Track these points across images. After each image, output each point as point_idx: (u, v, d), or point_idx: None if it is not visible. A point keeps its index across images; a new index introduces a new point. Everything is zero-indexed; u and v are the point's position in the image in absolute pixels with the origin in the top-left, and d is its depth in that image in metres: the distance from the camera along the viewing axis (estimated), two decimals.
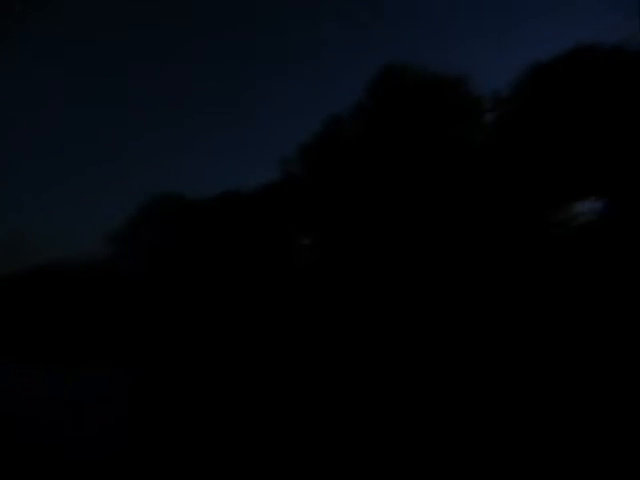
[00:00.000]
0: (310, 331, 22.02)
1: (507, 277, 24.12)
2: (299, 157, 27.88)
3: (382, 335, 20.17)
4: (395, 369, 15.28)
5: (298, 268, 29.38)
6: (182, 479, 7.28)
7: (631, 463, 7.03)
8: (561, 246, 25.60)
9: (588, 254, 24.19)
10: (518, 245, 24.98)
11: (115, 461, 7.85)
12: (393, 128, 26.21)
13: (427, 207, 24.80)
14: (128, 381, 14.41)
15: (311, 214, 28.09)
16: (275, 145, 50.14)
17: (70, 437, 9.08)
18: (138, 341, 20.80)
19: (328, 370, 14.98)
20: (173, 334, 21.51)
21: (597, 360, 14.01)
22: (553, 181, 25.35)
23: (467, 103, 26.25)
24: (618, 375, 12.08)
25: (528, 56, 26.31)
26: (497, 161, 26.33)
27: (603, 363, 13.51)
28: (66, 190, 60.94)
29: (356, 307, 23.98)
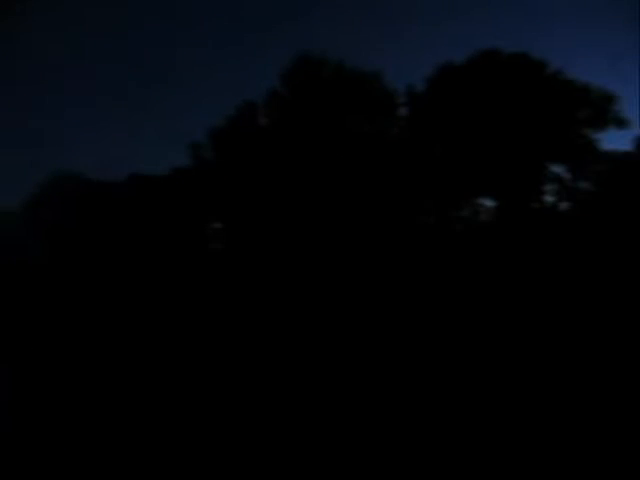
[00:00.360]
0: (221, 316, 21.75)
1: (406, 267, 24.65)
2: (210, 142, 27.48)
3: (293, 319, 20.21)
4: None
5: (208, 253, 29.02)
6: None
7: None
8: (463, 241, 26.65)
9: (487, 249, 25.31)
10: (418, 236, 25.61)
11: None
12: (306, 117, 26.29)
13: (337, 197, 25.06)
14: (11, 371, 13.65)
15: (222, 199, 27.79)
16: (186, 129, 49.00)
17: None
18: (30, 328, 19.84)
19: (238, 357, 14.82)
20: (71, 318, 20.68)
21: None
22: (458, 177, 26.31)
23: (381, 97, 26.71)
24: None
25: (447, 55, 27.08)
26: (410, 155, 27.03)
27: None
28: None
29: (265, 292, 23.92)
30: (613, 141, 34.23)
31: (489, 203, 26.30)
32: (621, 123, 24.47)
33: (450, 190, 26.06)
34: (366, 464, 7.35)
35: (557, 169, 25.36)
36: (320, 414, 9.51)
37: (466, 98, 25.73)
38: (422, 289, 23.53)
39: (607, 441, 7.77)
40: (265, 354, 14.95)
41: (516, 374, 12.14)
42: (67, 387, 11.55)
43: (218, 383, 11.90)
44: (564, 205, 25.16)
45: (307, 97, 26.10)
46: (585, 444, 7.74)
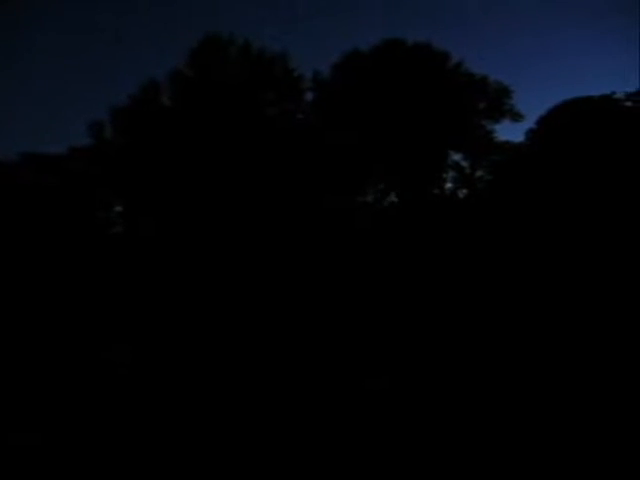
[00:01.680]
0: (124, 302, 20.98)
1: (311, 250, 24.80)
2: (112, 121, 26.39)
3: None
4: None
5: (109, 236, 27.95)
6: None
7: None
8: (368, 225, 27.18)
9: (390, 233, 25.93)
10: (324, 221, 25.81)
11: None
12: (212, 98, 25.78)
13: (243, 180, 24.79)
14: None
15: (124, 181, 26.80)
16: (86, 108, 46.44)
17: None
18: None
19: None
20: None
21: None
22: (363, 163, 26.77)
23: (287, 80, 26.63)
24: None
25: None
26: (315, 140, 27.16)
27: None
28: None
29: (166, 276, 23.35)
30: (508, 133, 35.96)
31: (393, 189, 26.88)
32: (516, 116, 25.74)
33: (355, 175, 26.46)
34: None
35: (457, 157, 26.34)
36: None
37: (371, 86, 26.16)
38: (327, 273, 23.77)
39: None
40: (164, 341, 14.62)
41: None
42: None
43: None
44: (463, 192, 26.17)
45: (213, 77, 25.61)
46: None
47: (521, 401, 9.40)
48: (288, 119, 26.76)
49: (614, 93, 23.68)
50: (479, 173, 25.82)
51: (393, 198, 26.97)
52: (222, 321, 17.31)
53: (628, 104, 23.51)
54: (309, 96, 27.64)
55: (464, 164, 26.09)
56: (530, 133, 25.10)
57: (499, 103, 25.70)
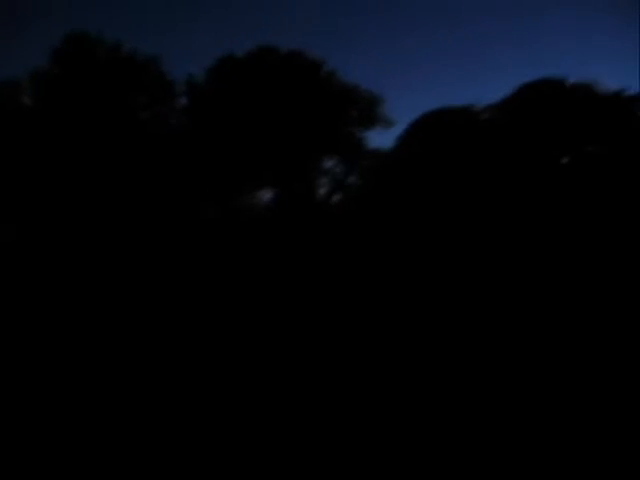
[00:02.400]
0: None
1: (187, 258, 24.35)
2: None
3: None
4: None
5: None
6: None
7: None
8: (244, 231, 27.02)
9: (266, 239, 25.90)
10: (200, 227, 25.42)
11: None
12: (78, 99, 24.79)
13: (107, 187, 23.92)
14: None
15: None
16: None
17: None
18: None
19: None
20: None
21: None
22: (239, 169, 26.65)
23: (159, 83, 26.10)
24: None
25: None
26: (189, 145, 26.74)
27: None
28: None
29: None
30: (381, 139, 36.91)
31: (268, 194, 26.94)
32: (387, 123, 26.60)
33: (231, 181, 26.29)
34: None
35: (331, 163, 26.80)
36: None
37: (245, 91, 26.16)
38: (205, 280, 23.36)
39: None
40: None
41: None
42: None
43: None
44: (336, 197, 26.63)
45: (79, 77, 24.63)
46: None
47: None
48: (160, 123, 26.19)
49: (474, 104, 25.00)
50: (352, 179, 26.39)
51: (269, 204, 26.97)
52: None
53: (486, 115, 24.88)
54: (184, 100, 27.22)
55: (338, 170, 26.57)
56: (399, 139, 26.01)
57: (370, 111, 26.44)
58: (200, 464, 7.37)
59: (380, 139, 33.43)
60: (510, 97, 23.67)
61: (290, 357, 14.58)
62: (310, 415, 8.99)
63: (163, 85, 26.07)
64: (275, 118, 25.39)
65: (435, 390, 9.86)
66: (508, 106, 23.42)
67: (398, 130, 26.41)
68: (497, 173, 22.31)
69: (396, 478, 6.88)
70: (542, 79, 23.35)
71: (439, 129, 24.32)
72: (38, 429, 8.96)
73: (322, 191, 26.66)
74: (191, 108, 26.68)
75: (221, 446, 7.87)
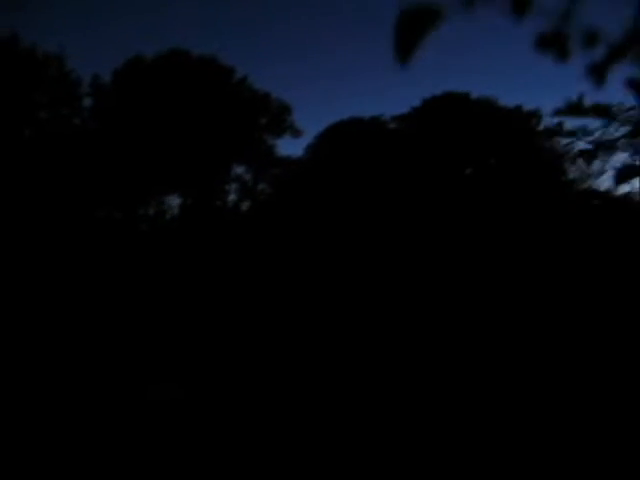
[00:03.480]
0: None
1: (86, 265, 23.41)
2: None
3: None
4: None
5: None
6: None
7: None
8: (149, 239, 26.26)
9: (172, 247, 25.26)
10: (101, 233, 24.50)
11: None
12: None
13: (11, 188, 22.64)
14: None
15: None
16: None
17: None
18: None
19: None
20: None
21: None
22: (145, 174, 25.92)
23: (62, 83, 25.10)
24: None
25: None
26: (94, 147, 25.79)
27: None
28: None
29: None
30: (290, 148, 37.11)
31: (176, 201, 26.35)
32: (295, 132, 26.76)
33: (136, 186, 25.52)
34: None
35: (240, 170, 26.61)
36: None
37: (153, 95, 25.59)
38: (105, 288, 22.48)
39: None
40: None
41: None
42: None
43: None
44: (245, 204, 26.42)
45: None
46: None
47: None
48: (62, 124, 25.12)
49: (382, 115, 25.65)
50: (261, 186, 26.28)
51: (176, 210, 26.38)
52: None
53: (393, 126, 25.54)
54: (89, 101, 26.30)
55: (247, 177, 26.41)
56: (308, 148, 26.22)
57: (280, 119, 26.53)
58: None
59: (288, 148, 33.61)
60: (416, 109, 24.44)
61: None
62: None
63: (66, 84, 25.06)
64: (184, 123, 24.96)
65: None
66: (414, 118, 24.16)
67: (306, 140, 26.65)
68: (403, 180, 22.87)
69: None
70: (447, 93, 24.30)
71: (348, 138, 24.72)
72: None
73: (231, 197, 26.38)
74: (96, 109, 25.78)
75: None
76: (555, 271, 18.55)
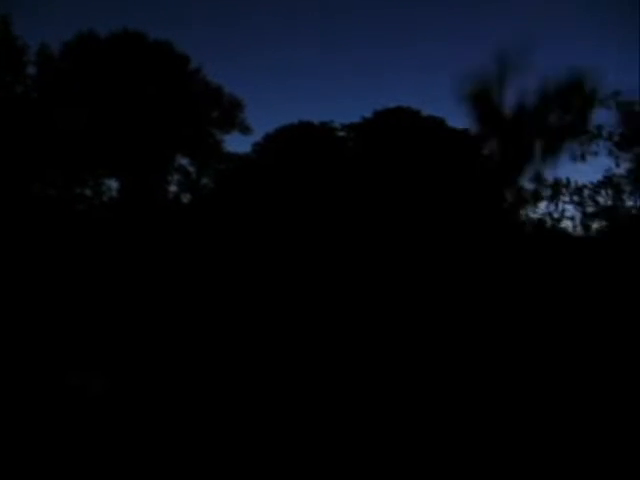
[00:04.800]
0: None
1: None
2: None
3: None
4: None
5: None
6: None
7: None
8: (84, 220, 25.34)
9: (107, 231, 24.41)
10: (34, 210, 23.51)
11: None
12: None
13: None
14: None
15: None
16: None
17: None
18: None
19: None
20: None
21: None
22: (85, 153, 25.08)
23: (6, 48, 24.06)
24: None
25: None
26: (33, 118, 24.80)
27: None
28: None
29: None
30: (239, 145, 36.53)
31: (115, 185, 25.57)
32: (245, 129, 26.53)
33: (75, 164, 24.62)
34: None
35: (184, 162, 26.08)
36: None
37: (103, 74, 24.88)
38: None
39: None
40: None
41: None
42: None
43: None
44: (187, 197, 25.88)
45: None
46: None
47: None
48: (3, 89, 24.02)
49: (332, 122, 25.77)
50: (205, 180, 25.84)
51: (114, 194, 25.56)
52: None
53: (341, 134, 25.70)
54: (34, 70, 25.27)
55: (191, 169, 25.91)
56: (257, 146, 26.00)
57: (231, 115, 26.25)
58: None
59: (236, 145, 33.20)
60: (367, 120, 24.71)
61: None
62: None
63: (11, 50, 24.02)
64: (130, 106, 24.33)
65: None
66: (364, 127, 24.39)
67: (254, 138, 26.45)
68: (346, 186, 22.98)
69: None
70: (399, 107, 24.68)
71: (296, 141, 24.70)
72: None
73: (172, 188, 25.81)
74: (40, 79, 24.80)
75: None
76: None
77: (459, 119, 27.38)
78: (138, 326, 17.04)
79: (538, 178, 10.97)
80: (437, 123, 24.29)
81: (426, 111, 24.50)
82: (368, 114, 24.78)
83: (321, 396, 9.37)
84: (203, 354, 14.02)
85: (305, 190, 23.11)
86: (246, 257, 22.41)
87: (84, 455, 7.40)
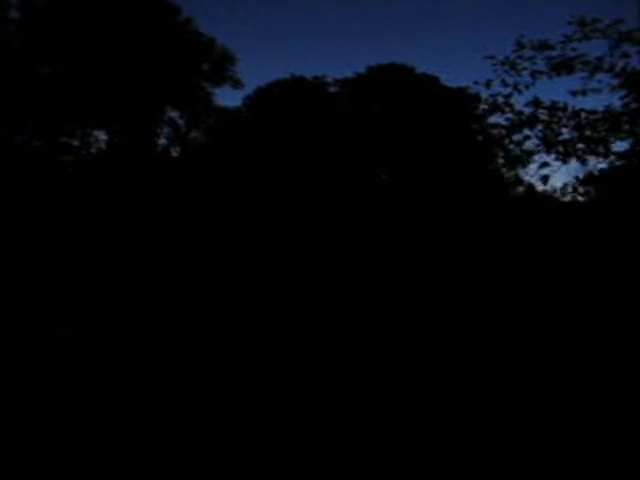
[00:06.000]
0: None
1: None
2: None
3: None
4: None
5: None
6: None
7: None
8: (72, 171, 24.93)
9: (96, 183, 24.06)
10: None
11: None
12: None
13: None
14: None
15: None
16: None
17: None
18: None
19: None
20: None
21: None
22: (73, 103, 24.49)
23: None
24: None
25: None
26: (18, 64, 24.06)
27: None
28: None
29: None
30: (230, 100, 36.22)
31: (103, 137, 25.08)
32: (236, 83, 26.07)
33: (60, 114, 24.03)
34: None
35: (174, 114, 25.64)
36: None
37: (90, 21, 24.13)
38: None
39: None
40: None
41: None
42: None
43: None
44: (177, 150, 25.54)
45: None
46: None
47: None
48: None
49: (325, 76, 25.42)
50: (194, 134, 25.48)
51: (103, 146, 25.11)
52: None
53: (334, 89, 25.40)
54: (16, 15, 24.39)
55: (180, 122, 25.49)
56: (248, 100, 25.63)
57: (222, 68, 25.75)
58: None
59: (226, 99, 32.71)
60: (360, 75, 24.43)
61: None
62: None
63: None
64: (118, 55, 23.69)
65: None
66: (357, 83, 24.13)
67: (245, 92, 26.04)
68: (340, 144, 22.85)
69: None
70: (391, 64, 24.41)
71: (290, 95, 24.40)
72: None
73: (162, 141, 25.42)
74: (23, 26, 23.96)
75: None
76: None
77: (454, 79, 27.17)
78: (123, 283, 16.95)
79: (536, 102, 10.72)
80: (432, 80, 24.12)
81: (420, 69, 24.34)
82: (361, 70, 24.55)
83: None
84: (190, 314, 13.96)
85: (296, 146, 22.94)
86: (237, 213, 22.31)
87: (66, 407, 7.43)
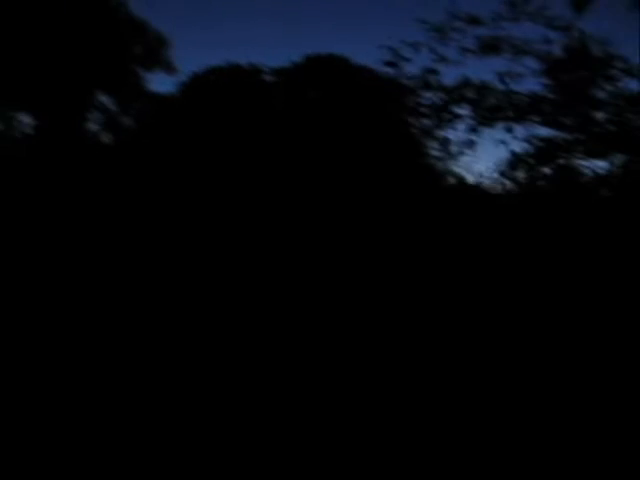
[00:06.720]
0: None
1: None
2: None
3: None
4: None
5: None
6: None
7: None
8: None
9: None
10: None
11: None
12: None
13: None
14: None
15: None
16: None
17: None
18: None
19: None
20: None
21: None
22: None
23: None
24: None
25: None
26: None
27: None
28: None
29: None
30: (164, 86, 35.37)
31: (28, 119, 24.08)
32: (170, 68, 25.48)
33: None
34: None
35: (104, 99, 24.84)
36: None
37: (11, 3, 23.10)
38: None
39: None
40: None
41: None
42: None
43: None
44: (108, 136, 24.79)
45: None
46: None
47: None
48: None
49: (261, 64, 25.09)
50: (126, 119, 24.77)
51: (28, 130, 24.12)
52: None
53: (269, 78, 25.13)
54: None
55: (111, 107, 24.72)
56: (182, 86, 25.05)
57: (155, 52, 25.10)
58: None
59: (162, 85, 32.02)
60: (297, 64, 24.25)
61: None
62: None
63: None
64: (45, 33, 22.76)
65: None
66: (294, 72, 23.94)
67: (182, 79, 25.46)
68: (273, 134, 22.66)
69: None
70: (330, 54, 24.31)
71: (225, 82, 24.03)
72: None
73: (91, 127, 24.61)
74: None
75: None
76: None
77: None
78: (46, 273, 16.38)
79: (465, 81, 10.58)
80: (368, 72, 24.09)
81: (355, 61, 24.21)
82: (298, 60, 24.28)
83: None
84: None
85: (228, 131, 22.65)
86: (164, 199, 21.88)
87: None
